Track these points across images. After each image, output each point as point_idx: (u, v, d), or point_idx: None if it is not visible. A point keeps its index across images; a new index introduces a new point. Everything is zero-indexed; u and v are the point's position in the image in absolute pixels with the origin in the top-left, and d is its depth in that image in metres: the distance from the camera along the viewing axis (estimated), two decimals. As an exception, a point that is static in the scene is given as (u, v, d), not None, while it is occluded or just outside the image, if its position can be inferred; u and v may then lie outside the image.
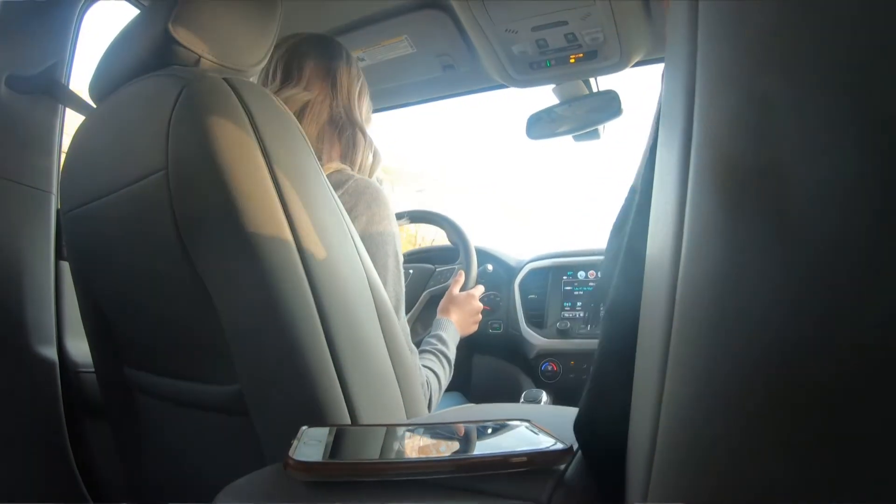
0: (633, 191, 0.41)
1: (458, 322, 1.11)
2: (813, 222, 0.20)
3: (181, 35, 0.64)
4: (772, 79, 0.21)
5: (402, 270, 0.85)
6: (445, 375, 0.93)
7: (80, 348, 1.04)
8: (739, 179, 0.22)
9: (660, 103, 0.39)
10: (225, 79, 0.60)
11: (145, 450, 0.85)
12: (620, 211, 0.42)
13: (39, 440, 1.00)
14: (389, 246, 0.82)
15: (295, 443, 0.41)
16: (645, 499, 0.27)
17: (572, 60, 1.20)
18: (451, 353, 0.98)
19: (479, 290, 1.25)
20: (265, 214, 0.56)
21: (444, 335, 1.02)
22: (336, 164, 0.87)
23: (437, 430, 0.46)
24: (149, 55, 0.67)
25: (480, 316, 1.20)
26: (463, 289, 1.24)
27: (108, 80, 0.74)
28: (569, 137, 1.37)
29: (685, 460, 0.25)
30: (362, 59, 1.30)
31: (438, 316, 1.12)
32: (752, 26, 0.22)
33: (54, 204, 1.04)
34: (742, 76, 0.22)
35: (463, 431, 0.46)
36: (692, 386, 0.24)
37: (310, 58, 0.91)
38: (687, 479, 0.25)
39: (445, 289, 1.24)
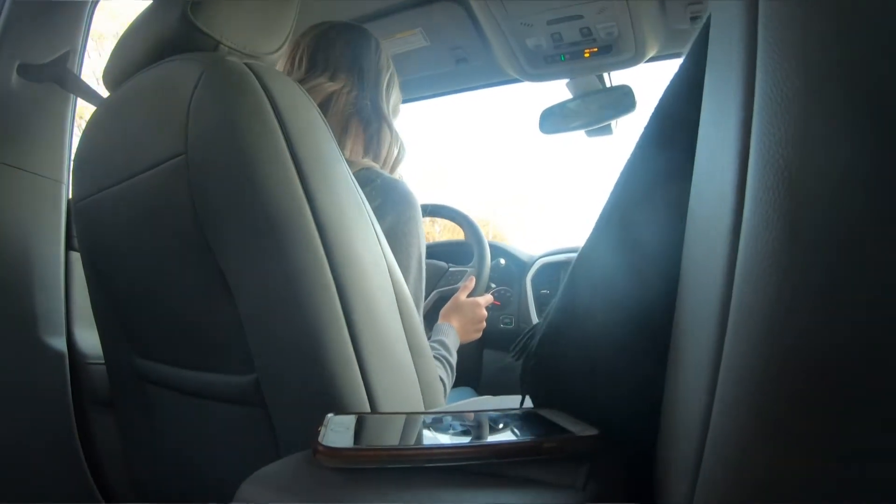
0: (626, 183, 0.40)
1: (459, 329, 1.09)
2: (859, 223, 0.20)
3: (200, 20, 0.64)
4: (822, 79, 0.21)
5: (424, 273, 0.84)
6: (449, 382, 0.91)
7: (89, 339, 1.04)
8: (794, 180, 0.21)
9: (662, 100, 0.39)
10: (246, 63, 0.59)
11: (155, 441, 0.85)
12: (617, 203, 0.41)
13: (47, 431, 1.00)
14: (413, 248, 0.81)
15: (322, 430, 0.40)
16: (692, 490, 0.27)
17: (587, 55, 1.20)
18: (453, 360, 0.97)
19: (487, 299, 1.22)
20: (287, 201, 0.55)
21: (446, 341, 1.00)
22: (365, 161, 0.85)
23: (463, 418, 0.45)
24: (166, 41, 0.67)
25: (484, 324, 1.17)
26: (471, 295, 1.21)
27: (124, 67, 0.74)
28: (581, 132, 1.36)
29: (738, 458, 0.24)
30: (375, 52, 1.29)
31: (440, 321, 1.10)
32: (813, 24, 0.21)
33: (65, 193, 1.04)
34: (799, 77, 0.21)
35: (489, 419, 0.45)
36: (749, 383, 0.23)
37: (337, 46, 0.89)
38: (739, 478, 0.24)
39: (455, 291, 1.22)
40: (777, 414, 0.22)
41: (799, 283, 0.21)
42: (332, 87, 0.86)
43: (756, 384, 0.23)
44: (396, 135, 0.91)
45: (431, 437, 0.41)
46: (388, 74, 0.93)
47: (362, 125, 0.88)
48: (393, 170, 0.91)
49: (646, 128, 0.40)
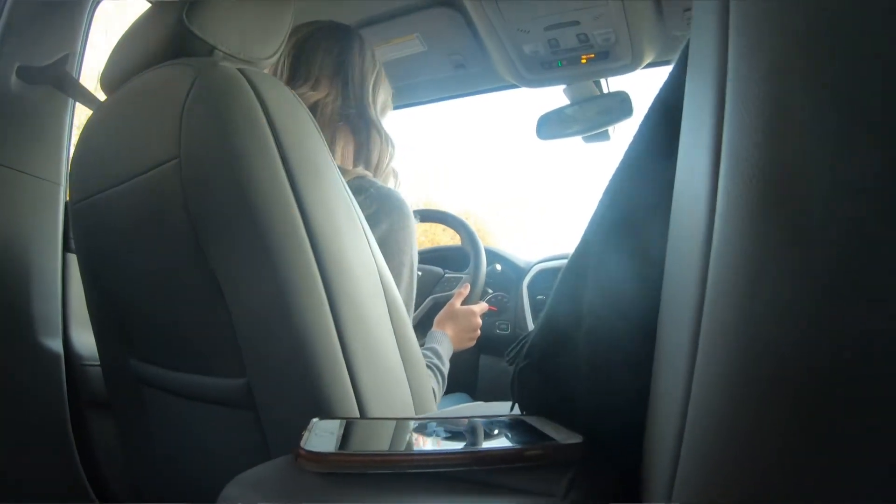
0: (633, 190, 0.40)
1: (453, 337, 1.09)
2: (827, 225, 0.20)
3: (196, 25, 0.64)
4: (790, 82, 0.21)
5: (416, 282, 0.84)
6: (440, 391, 0.91)
7: (85, 341, 1.04)
8: (765, 181, 0.21)
9: (654, 105, 0.39)
10: (239, 69, 0.60)
11: (149, 443, 0.85)
12: (624, 210, 0.41)
13: (43, 433, 1.00)
14: (406, 256, 0.81)
15: (306, 434, 0.40)
16: (669, 499, 0.27)
17: (584, 61, 1.20)
18: (446, 369, 0.96)
19: (482, 307, 1.22)
20: (278, 206, 0.56)
21: (439, 349, 0.99)
22: (358, 170, 0.84)
23: (448, 424, 0.45)
24: (162, 45, 0.67)
25: (478, 332, 1.17)
26: (466, 302, 1.21)
27: (120, 71, 0.74)
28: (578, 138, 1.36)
29: (712, 462, 0.24)
30: (372, 57, 1.29)
31: (434, 328, 1.09)
32: (781, 29, 0.21)
33: (62, 195, 1.04)
34: (769, 80, 0.22)
35: (475, 426, 0.45)
36: (721, 388, 0.23)
37: (318, 53, 0.87)
38: (714, 481, 0.24)
39: (450, 297, 1.22)
40: (748, 420, 0.22)
41: (766, 292, 0.21)
42: (315, 96, 0.85)
43: (727, 390, 0.23)
44: (386, 137, 0.90)
45: (416, 443, 0.42)
46: (375, 75, 0.91)
47: (352, 133, 0.87)
48: (385, 171, 0.90)
49: (644, 130, 0.39)
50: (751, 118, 0.22)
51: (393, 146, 0.91)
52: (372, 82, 0.90)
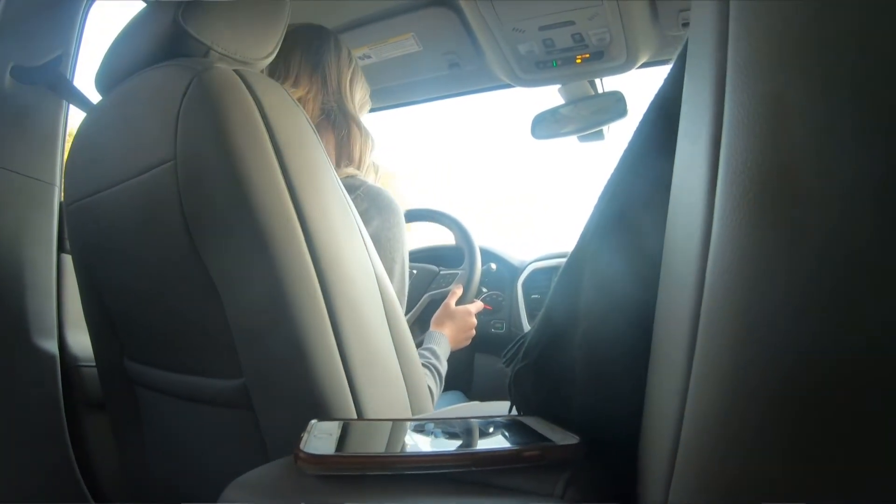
0: (628, 186, 0.41)
1: (451, 337, 1.10)
2: (826, 224, 0.20)
3: (191, 25, 0.64)
4: (785, 79, 0.21)
5: (408, 278, 0.85)
6: (437, 390, 0.92)
7: (80, 342, 1.04)
8: (762, 182, 0.21)
9: (655, 101, 0.39)
10: (235, 70, 0.59)
11: (145, 444, 0.85)
12: (620, 207, 0.41)
13: (39, 434, 1.00)
14: (397, 253, 0.82)
15: (305, 436, 0.40)
16: (665, 502, 0.27)
17: (579, 61, 1.20)
18: (443, 369, 0.98)
19: (477, 306, 1.23)
20: (275, 207, 0.56)
21: (436, 349, 1.01)
22: (348, 170, 0.86)
23: (446, 425, 0.46)
24: (157, 46, 0.67)
25: (474, 332, 1.18)
26: (461, 301, 1.22)
27: (115, 72, 0.74)
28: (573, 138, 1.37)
29: (710, 464, 0.24)
30: (368, 57, 1.29)
31: (432, 328, 1.11)
32: (780, 27, 0.21)
33: (57, 196, 1.03)
34: (767, 78, 0.22)
35: (472, 426, 0.45)
36: (718, 389, 0.23)
37: (296, 52, 0.88)
38: (712, 482, 0.24)
39: (446, 294, 1.23)
40: (745, 421, 0.23)
41: (763, 294, 0.21)
42: (296, 93, 0.86)
43: (724, 392, 0.23)
44: (366, 132, 0.91)
45: (414, 445, 0.42)
46: (351, 71, 0.92)
47: (333, 130, 0.88)
48: (366, 165, 0.91)
49: (643, 126, 0.40)
50: (749, 117, 0.22)
51: (372, 140, 0.92)
52: (349, 78, 0.91)
